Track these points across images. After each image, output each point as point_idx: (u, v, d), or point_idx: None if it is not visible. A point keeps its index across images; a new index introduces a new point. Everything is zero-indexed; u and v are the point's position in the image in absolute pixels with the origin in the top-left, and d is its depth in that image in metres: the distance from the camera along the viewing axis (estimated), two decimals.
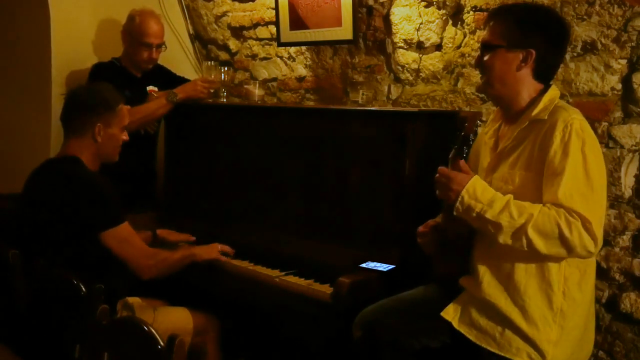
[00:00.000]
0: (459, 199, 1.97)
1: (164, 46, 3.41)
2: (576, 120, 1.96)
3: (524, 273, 2.00)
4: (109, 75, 3.20)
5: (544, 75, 2.09)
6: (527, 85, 2.08)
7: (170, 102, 3.29)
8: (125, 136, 2.69)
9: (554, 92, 2.09)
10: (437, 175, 2.03)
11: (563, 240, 1.88)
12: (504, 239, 1.93)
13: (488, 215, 1.93)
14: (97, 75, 3.28)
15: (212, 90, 3.58)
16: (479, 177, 2.01)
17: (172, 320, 2.56)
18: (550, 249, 1.91)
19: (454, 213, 2.00)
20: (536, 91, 2.09)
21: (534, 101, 2.07)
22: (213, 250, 2.77)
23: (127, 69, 3.42)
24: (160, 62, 3.55)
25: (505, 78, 2.07)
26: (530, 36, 2.04)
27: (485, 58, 2.08)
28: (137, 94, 3.35)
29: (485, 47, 2.09)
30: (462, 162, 2.01)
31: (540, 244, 1.90)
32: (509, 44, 2.04)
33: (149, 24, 3.32)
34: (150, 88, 3.44)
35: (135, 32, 3.33)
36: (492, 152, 2.17)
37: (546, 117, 2.00)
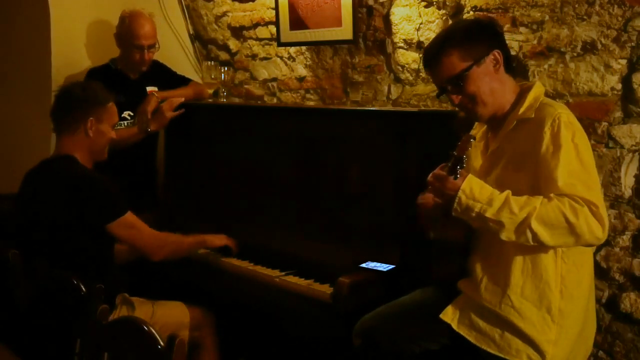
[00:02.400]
0: (456, 199, 1.93)
1: (156, 46, 3.38)
2: (563, 114, 1.96)
3: (520, 275, 2.00)
4: (102, 80, 3.18)
5: (510, 66, 2.11)
6: (507, 82, 2.09)
7: (142, 132, 3.28)
8: (113, 134, 2.70)
9: (538, 89, 2.08)
10: (430, 178, 1.99)
11: (570, 228, 1.84)
12: (507, 235, 1.89)
13: (488, 214, 1.89)
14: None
15: (211, 91, 3.59)
16: (473, 175, 1.97)
17: (171, 314, 2.58)
18: (557, 240, 1.87)
19: (453, 214, 1.96)
20: (514, 92, 2.10)
21: (518, 101, 2.07)
22: (222, 238, 2.83)
23: (123, 72, 3.40)
24: (160, 62, 3.54)
25: (492, 87, 2.06)
26: (486, 41, 2.05)
27: (466, 88, 2.04)
28: (133, 96, 3.34)
29: (454, 81, 2.05)
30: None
31: (545, 236, 1.86)
32: (475, 60, 2.03)
33: (138, 25, 3.29)
34: (150, 89, 3.43)
35: (125, 34, 3.32)
36: (483, 155, 2.17)
37: (533, 115, 2.00)
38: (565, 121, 1.94)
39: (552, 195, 1.87)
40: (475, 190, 1.92)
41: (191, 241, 2.77)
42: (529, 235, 1.87)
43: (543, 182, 1.93)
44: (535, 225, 1.85)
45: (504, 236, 1.90)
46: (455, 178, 1.94)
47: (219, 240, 2.82)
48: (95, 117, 2.60)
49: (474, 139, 2.03)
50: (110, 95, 2.69)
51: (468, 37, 2.05)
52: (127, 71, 3.41)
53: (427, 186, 2.03)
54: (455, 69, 2.04)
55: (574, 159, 1.91)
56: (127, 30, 3.31)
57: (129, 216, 2.56)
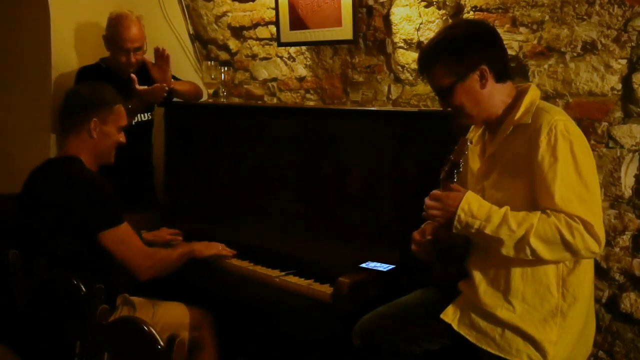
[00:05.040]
0: (456, 217, 1.96)
1: (143, 49, 3.36)
2: (560, 121, 1.95)
3: (520, 279, 2.00)
4: (94, 78, 3.17)
5: (504, 74, 2.09)
6: (497, 93, 2.08)
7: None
8: (122, 138, 2.69)
9: (533, 92, 2.08)
10: (427, 199, 2.02)
11: (566, 245, 1.87)
12: (507, 251, 1.93)
13: (487, 231, 1.93)
14: (83, 79, 3.26)
15: (211, 91, 3.59)
16: (472, 192, 2.00)
17: (171, 315, 2.57)
18: (554, 256, 1.91)
19: (453, 231, 1.99)
20: (510, 95, 2.09)
21: (514, 105, 2.07)
22: (213, 247, 2.78)
23: (114, 71, 3.40)
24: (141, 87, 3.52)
25: (478, 102, 2.06)
26: (472, 58, 2.04)
27: (451, 101, 2.07)
28: (124, 95, 3.33)
29: (442, 92, 2.08)
30: (453, 186, 2.00)
31: (544, 252, 1.89)
32: (459, 77, 2.03)
33: (124, 28, 3.28)
34: (140, 88, 3.41)
35: (111, 36, 3.32)
36: (481, 158, 2.17)
37: (530, 121, 1.99)
38: (562, 130, 1.93)
39: (549, 211, 1.90)
40: (473, 208, 1.95)
41: (179, 253, 2.70)
42: (528, 251, 1.91)
43: (540, 192, 1.94)
44: (534, 242, 1.89)
45: (503, 252, 1.94)
46: (453, 182, 1.98)
47: (208, 250, 2.76)
48: (99, 118, 2.60)
49: (471, 142, 2.07)
50: (118, 97, 2.69)
51: (455, 52, 2.04)
52: (116, 71, 3.41)
53: (428, 188, 2.04)
54: (441, 82, 2.07)
55: (572, 172, 1.91)
56: (113, 33, 3.30)
57: (122, 229, 2.52)
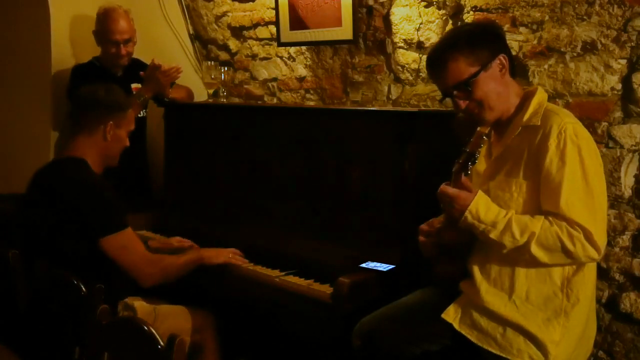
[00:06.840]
0: (462, 218, 1.97)
1: (133, 40, 3.38)
2: (569, 124, 1.95)
3: (524, 279, 2.01)
4: (88, 76, 3.18)
5: (513, 70, 2.12)
6: (512, 86, 2.09)
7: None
8: (127, 142, 2.69)
9: (541, 94, 2.08)
10: (439, 192, 2.01)
11: (566, 253, 1.89)
12: (508, 253, 1.97)
13: (492, 235, 1.95)
14: (77, 78, 3.28)
15: (211, 91, 3.59)
16: (482, 193, 2.00)
17: (173, 320, 2.56)
18: (554, 261, 1.93)
19: (459, 225, 2.00)
20: (518, 95, 2.10)
21: (522, 106, 2.07)
22: (223, 254, 2.70)
23: (107, 68, 3.40)
24: (158, 61, 3.53)
25: (499, 91, 2.05)
26: (491, 46, 2.05)
27: (473, 93, 2.03)
28: None
29: (461, 87, 2.03)
30: (464, 180, 1.99)
31: (544, 258, 1.92)
32: (483, 65, 2.02)
33: (112, 20, 3.30)
34: (134, 86, 3.42)
35: (100, 30, 3.34)
36: (487, 159, 2.16)
37: (539, 123, 1.99)
38: (571, 134, 1.93)
39: (551, 219, 1.91)
40: (481, 212, 1.96)
41: (185, 260, 2.63)
42: (527, 257, 1.94)
43: (545, 195, 1.95)
44: (534, 249, 1.91)
45: (504, 252, 1.97)
46: (467, 174, 1.98)
47: (217, 257, 2.68)
48: (114, 122, 2.59)
49: (488, 136, 2.03)
50: (130, 101, 2.70)
51: (474, 42, 2.03)
52: (111, 68, 3.41)
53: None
54: (462, 74, 2.02)
55: (578, 178, 1.92)
56: (102, 27, 3.33)
57: (125, 234, 2.48)
